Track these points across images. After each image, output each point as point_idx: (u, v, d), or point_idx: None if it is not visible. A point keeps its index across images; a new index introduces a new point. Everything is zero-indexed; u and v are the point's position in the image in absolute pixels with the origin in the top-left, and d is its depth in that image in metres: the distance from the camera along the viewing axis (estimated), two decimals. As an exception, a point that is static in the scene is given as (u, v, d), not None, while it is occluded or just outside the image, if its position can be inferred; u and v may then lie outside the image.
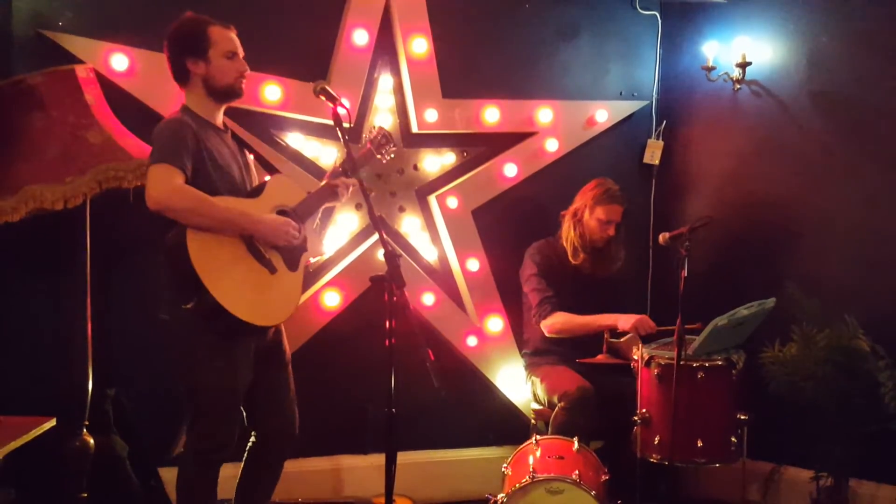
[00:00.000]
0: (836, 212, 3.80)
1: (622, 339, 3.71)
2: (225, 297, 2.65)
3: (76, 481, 3.24)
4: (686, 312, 3.22)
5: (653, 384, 3.40)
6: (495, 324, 4.12)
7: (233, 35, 2.89)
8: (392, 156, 3.31)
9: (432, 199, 4.07)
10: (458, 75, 4.02)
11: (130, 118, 3.40)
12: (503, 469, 3.30)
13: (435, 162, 4.08)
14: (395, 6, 3.88)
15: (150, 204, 2.64)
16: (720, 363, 3.37)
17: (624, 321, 3.62)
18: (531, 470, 3.06)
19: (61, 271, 3.48)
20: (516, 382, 4.09)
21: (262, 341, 2.93)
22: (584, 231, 3.83)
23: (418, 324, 2.67)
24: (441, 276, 4.10)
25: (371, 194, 3.20)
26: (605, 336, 3.65)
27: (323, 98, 2.88)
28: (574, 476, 3.01)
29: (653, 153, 4.38)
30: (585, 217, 3.83)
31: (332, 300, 3.85)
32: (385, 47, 3.92)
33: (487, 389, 4.14)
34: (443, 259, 4.12)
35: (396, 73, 3.97)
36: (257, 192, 2.94)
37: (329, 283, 3.85)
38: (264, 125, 3.74)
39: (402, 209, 4.03)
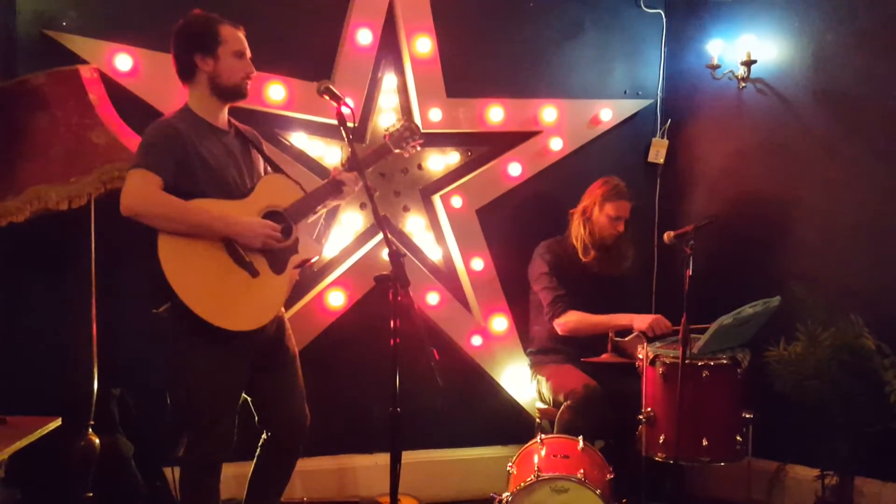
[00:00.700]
0: (841, 210, 3.79)
1: (627, 338, 3.71)
2: (196, 301, 2.64)
3: (81, 481, 3.24)
4: (691, 311, 3.21)
5: (658, 383, 3.40)
6: (500, 323, 4.11)
7: (242, 35, 2.89)
8: (418, 149, 3.24)
9: (437, 199, 4.07)
10: (462, 74, 4.02)
11: (134, 118, 3.39)
12: (508, 468, 3.30)
13: (439, 161, 4.08)
14: (398, 5, 3.87)
15: (122, 210, 2.65)
16: (725, 362, 3.36)
17: (639, 321, 3.62)
18: (536, 469, 3.05)
19: (66, 271, 3.48)
20: (521, 382, 4.09)
21: (257, 342, 2.88)
22: (593, 228, 3.83)
23: (423, 323, 2.66)
24: (445, 276, 4.10)
25: (375, 194, 3.18)
26: (610, 335, 3.64)
27: (327, 97, 2.86)
28: (579, 475, 3.00)
29: (657, 152, 4.37)
30: (595, 214, 3.83)
31: (337, 300, 3.85)
32: (389, 47, 3.92)
33: (492, 389, 4.14)
34: (447, 258, 4.12)
35: (400, 72, 3.97)
36: (248, 192, 2.89)
37: (333, 283, 3.86)
38: (268, 125, 3.74)
39: (406, 209, 4.03)
